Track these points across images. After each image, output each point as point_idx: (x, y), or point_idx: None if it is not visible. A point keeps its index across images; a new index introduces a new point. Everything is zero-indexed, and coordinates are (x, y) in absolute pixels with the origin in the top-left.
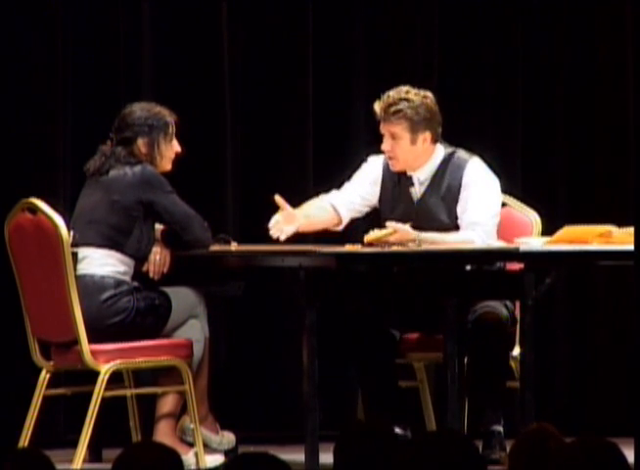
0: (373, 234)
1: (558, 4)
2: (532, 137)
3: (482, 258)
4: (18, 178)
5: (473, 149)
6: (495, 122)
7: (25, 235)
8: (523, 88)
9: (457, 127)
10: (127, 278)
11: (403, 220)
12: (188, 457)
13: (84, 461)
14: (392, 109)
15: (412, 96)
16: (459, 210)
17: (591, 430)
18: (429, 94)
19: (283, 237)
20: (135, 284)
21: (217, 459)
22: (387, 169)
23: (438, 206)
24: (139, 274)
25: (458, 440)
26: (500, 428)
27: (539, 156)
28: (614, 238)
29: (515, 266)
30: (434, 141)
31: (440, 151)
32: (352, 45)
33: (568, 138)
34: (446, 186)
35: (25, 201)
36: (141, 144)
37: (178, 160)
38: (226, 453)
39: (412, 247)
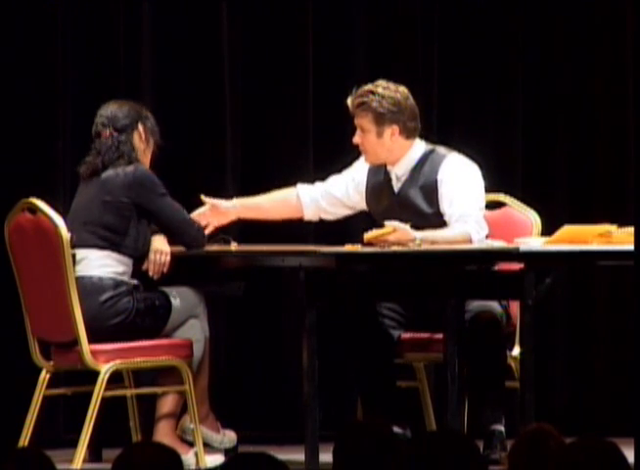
0: (372, 233)
1: (558, 3)
2: (532, 137)
3: (482, 258)
4: (18, 178)
5: (473, 149)
6: (495, 122)
7: (25, 235)
8: (523, 88)
9: (457, 127)
10: (126, 278)
11: (387, 213)
12: (188, 457)
13: (84, 461)
14: (358, 101)
15: (380, 90)
16: (445, 205)
17: (591, 430)
18: (402, 89)
19: (209, 229)
20: (134, 282)
21: (217, 459)
22: (372, 168)
23: (417, 195)
24: (139, 273)
25: (458, 440)
26: (501, 427)
27: (539, 156)
28: (614, 238)
29: (515, 266)
30: (406, 136)
31: (420, 148)
32: (352, 45)
33: (568, 138)
34: (423, 180)
35: (25, 201)
36: (142, 130)
37: (179, 159)
38: (227, 453)
39: (412, 247)
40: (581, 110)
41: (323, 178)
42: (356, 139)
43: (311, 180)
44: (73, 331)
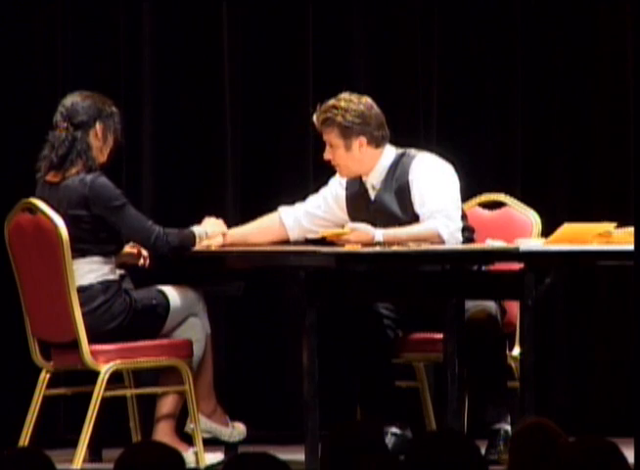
0: (331, 230)
1: (558, 2)
2: (532, 138)
3: (482, 258)
4: (18, 178)
5: (473, 149)
6: (495, 123)
7: (25, 235)
8: (523, 88)
9: (457, 128)
10: (113, 275)
11: (368, 223)
12: (187, 455)
13: (84, 461)
14: (322, 117)
15: (343, 103)
16: (416, 205)
17: (591, 430)
18: (365, 99)
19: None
20: (121, 272)
21: (217, 457)
22: (348, 182)
23: (392, 202)
24: (137, 272)
25: (458, 440)
26: (505, 426)
27: (539, 156)
28: (613, 238)
29: (515, 266)
30: (375, 146)
31: (390, 154)
32: (352, 46)
33: (568, 138)
34: (397, 185)
35: (25, 201)
36: (99, 128)
37: (179, 159)
38: (227, 451)
39: (412, 246)
40: (581, 110)
41: (322, 174)
42: (326, 155)
43: (311, 180)
44: (73, 331)
